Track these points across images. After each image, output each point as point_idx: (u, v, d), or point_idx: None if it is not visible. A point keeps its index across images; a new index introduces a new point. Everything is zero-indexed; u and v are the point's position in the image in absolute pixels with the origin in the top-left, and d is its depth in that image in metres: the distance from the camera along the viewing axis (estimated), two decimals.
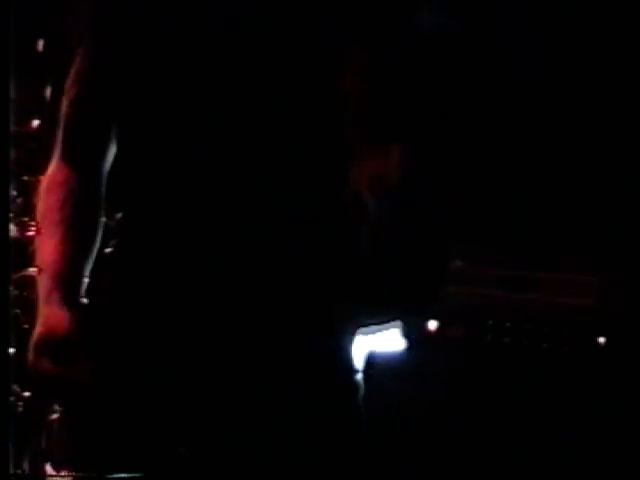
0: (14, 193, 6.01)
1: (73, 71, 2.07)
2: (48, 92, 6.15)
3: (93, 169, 2.03)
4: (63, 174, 2.07)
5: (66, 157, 2.08)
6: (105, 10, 2.01)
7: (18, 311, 5.70)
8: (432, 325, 5.08)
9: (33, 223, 5.59)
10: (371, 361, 4.46)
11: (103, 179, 2.05)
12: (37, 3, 6.59)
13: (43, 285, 2.01)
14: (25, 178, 6.00)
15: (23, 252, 5.87)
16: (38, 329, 1.98)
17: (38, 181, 5.92)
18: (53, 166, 2.11)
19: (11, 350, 4.97)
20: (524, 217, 5.21)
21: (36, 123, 6.05)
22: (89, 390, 1.91)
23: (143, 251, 1.97)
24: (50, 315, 1.99)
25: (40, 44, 6.26)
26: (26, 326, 5.40)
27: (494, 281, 5.16)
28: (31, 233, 5.83)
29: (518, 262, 5.14)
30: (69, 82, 2.08)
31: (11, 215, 5.52)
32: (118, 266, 1.99)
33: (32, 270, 5.50)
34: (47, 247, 2.04)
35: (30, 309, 5.47)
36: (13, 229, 5.73)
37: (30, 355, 1.96)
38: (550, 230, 5.13)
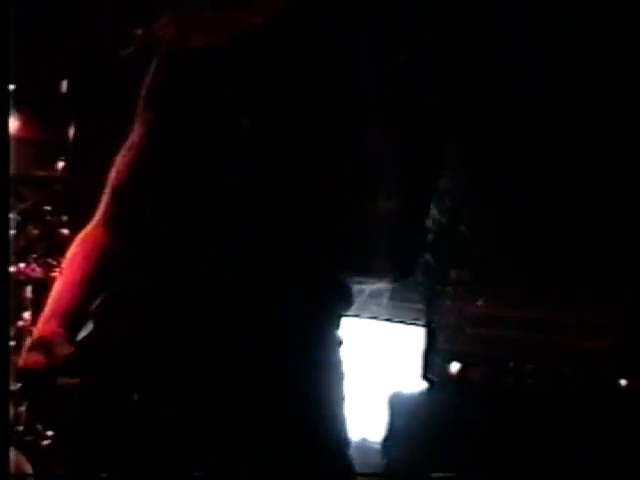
0: (36, 232, 6.09)
1: (130, 138, 2.12)
2: (71, 133, 6.23)
3: (130, 238, 2.10)
4: (101, 235, 2.13)
5: (108, 222, 2.14)
6: (168, 92, 2.08)
7: None
8: (454, 367, 5.07)
9: (56, 264, 5.67)
10: (393, 402, 4.47)
11: (134, 252, 2.13)
12: (58, 44, 6.67)
13: (44, 312, 2.08)
14: (49, 218, 6.08)
15: (47, 292, 5.92)
16: (30, 338, 2.06)
17: (62, 222, 6.01)
18: (94, 225, 2.16)
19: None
20: (543, 260, 5.22)
21: (61, 165, 6.13)
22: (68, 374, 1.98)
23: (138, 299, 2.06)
24: (41, 327, 2.04)
25: (64, 85, 6.33)
26: None
27: (514, 323, 5.16)
28: (55, 275, 5.89)
29: (537, 304, 5.14)
30: (124, 148, 2.13)
31: (35, 256, 5.61)
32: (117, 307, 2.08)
33: None
34: (60, 285, 2.10)
35: None
36: (38, 270, 5.80)
37: (21, 357, 2.03)
38: (568, 273, 5.14)
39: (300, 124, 1.95)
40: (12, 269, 5.40)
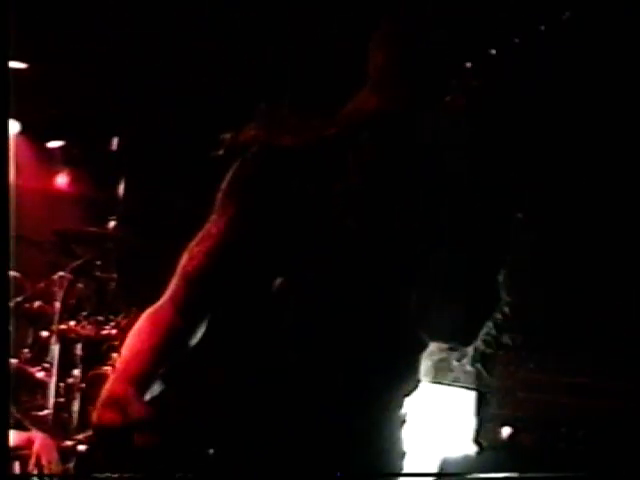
0: (86, 289, 6.13)
1: (207, 228, 2.21)
2: (121, 190, 6.29)
3: (198, 322, 2.20)
4: (169, 313, 2.25)
5: (177, 302, 2.23)
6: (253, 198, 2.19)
7: (91, 408, 5.73)
8: (505, 432, 5.01)
9: (105, 322, 5.70)
10: (443, 465, 4.41)
11: (201, 331, 2.21)
12: (111, 101, 6.77)
13: (113, 374, 2.20)
14: (98, 274, 6.11)
15: (96, 350, 5.94)
16: (101, 395, 2.17)
17: (113, 279, 6.05)
18: (162, 302, 2.27)
19: (82, 447, 5.04)
20: (595, 325, 5.17)
21: (112, 224, 6.17)
22: (144, 433, 2.05)
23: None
24: (112, 385, 2.15)
25: (114, 143, 6.40)
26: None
27: (565, 388, 5.11)
28: (104, 332, 5.92)
29: (588, 370, 5.08)
30: (200, 236, 2.22)
31: (85, 313, 5.63)
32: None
33: (105, 369, 5.59)
34: (128, 352, 2.21)
35: None
36: (88, 328, 5.83)
37: (94, 414, 2.13)
38: (621, 339, 5.08)
39: (386, 223, 2.02)
40: (62, 327, 5.43)
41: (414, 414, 2.14)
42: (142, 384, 2.11)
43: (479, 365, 5.33)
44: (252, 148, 2.15)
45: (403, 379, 2.09)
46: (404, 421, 2.10)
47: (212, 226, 2.19)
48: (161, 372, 2.15)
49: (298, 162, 2.08)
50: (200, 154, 2.35)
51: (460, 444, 4.74)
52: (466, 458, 4.66)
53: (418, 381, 2.11)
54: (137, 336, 2.21)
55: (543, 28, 1.81)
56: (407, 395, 2.09)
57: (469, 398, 4.96)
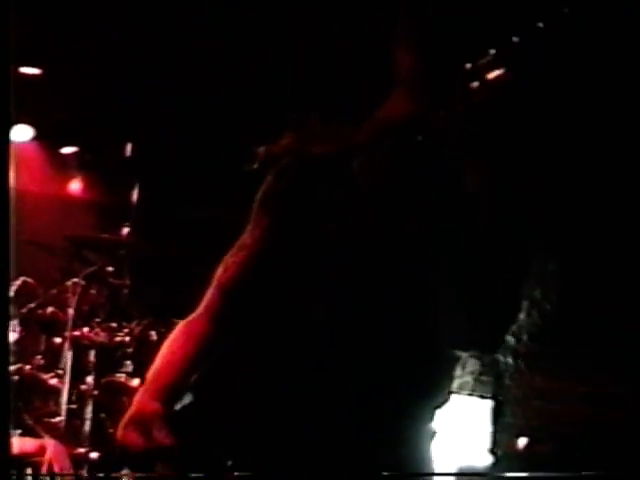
0: (99, 296, 6.13)
1: (242, 239, 2.24)
2: (135, 197, 6.28)
3: (232, 331, 2.21)
4: (203, 324, 2.29)
5: (212, 313, 2.26)
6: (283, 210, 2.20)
7: (103, 415, 5.75)
8: (521, 442, 4.99)
9: (118, 328, 5.69)
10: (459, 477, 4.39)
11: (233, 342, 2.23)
12: (123, 107, 6.77)
13: (143, 386, 2.24)
14: (111, 280, 6.09)
15: (109, 357, 5.93)
16: (129, 411, 2.19)
17: (125, 286, 6.04)
18: (197, 314, 2.32)
19: (95, 454, 5.03)
20: (612, 335, 5.15)
21: (126, 231, 6.17)
22: (166, 461, 2.07)
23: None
24: (141, 401, 2.18)
25: (128, 149, 6.39)
26: (111, 430, 5.46)
27: (582, 398, 5.08)
28: (117, 339, 5.91)
29: (605, 379, 5.06)
30: (235, 247, 2.24)
31: (98, 320, 5.63)
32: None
33: (118, 376, 5.58)
34: (160, 363, 2.25)
35: (115, 413, 5.52)
36: (101, 334, 5.81)
37: (119, 431, 2.15)
38: (632, 348, 5.06)
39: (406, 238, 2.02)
40: (75, 333, 5.42)
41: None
42: (171, 396, 2.14)
43: (494, 373, 5.31)
44: (285, 159, 2.16)
45: (433, 392, 2.08)
46: (434, 434, 2.09)
47: (247, 237, 2.22)
48: (191, 382, 2.17)
49: (331, 171, 2.09)
50: (232, 166, 2.36)
51: (476, 454, 4.72)
52: (481, 469, 4.64)
53: (449, 394, 2.09)
54: (170, 347, 2.24)
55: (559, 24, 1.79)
56: (437, 408, 2.07)
57: (485, 407, 4.94)
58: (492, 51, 1.81)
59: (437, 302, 1.96)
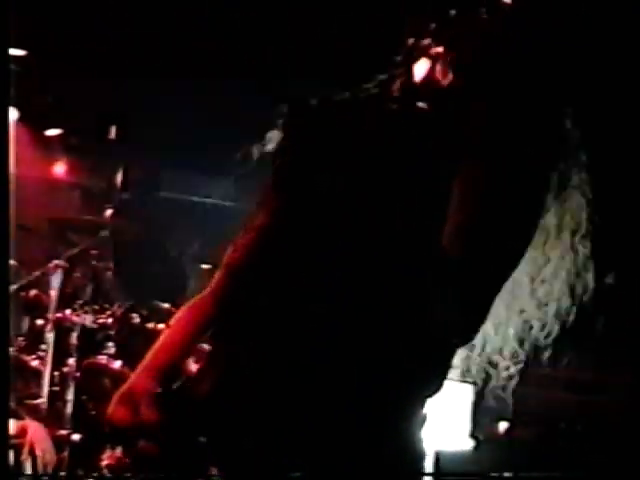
0: (82, 278, 6.11)
1: (251, 221, 2.26)
2: (119, 179, 6.24)
3: (235, 312, 2.21)
4: (208, 305, 2.31)
5: (217, 294, 2.27)
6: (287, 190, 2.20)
7: (85, 397, 5.73)
8: (501, 426, 5.01)
9: (101, 310, 5.68)
10: (439, 461, 4.41)
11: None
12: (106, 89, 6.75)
13: (141, 364, 2.26)
14: (94, 263, 6.07)
15: (92, 339, 5.92)
16: (123, 387, 2.22)
17: (108, 268, 6.02)
18: (204, 294, 2.35)
19: (77, 435, 5.02)
20: (593, 321, 5.16)
21: (109, 212, 6.14)
22: (148, 438, 2.10)
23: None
24: (135, 379, 2.21)
25: (112, 131, 6.36)
26: (93, 412, 5.45)
27: (563, 383, 5.10)
28: (101, 321, 5.89)
29: (587, 365, 5.08)
30: (244, 229, 2.24)
31: (81, 302, 5.61)
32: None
33: (100, 358, 5.57)
34: (160, 343, 2.28)
35: (96, 396, 5.51)
36: (83, 316, 5.79)
37: (110, 406, 2.18)
38: (620, 334, 5.07)
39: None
40: (58, 315, 5.40)
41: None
42: (168, 375, 2.17)
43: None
44: (289, 143, 2.16)
45: (425, 381, 2.08)
46: (424, 421, 2.09)
47: (254, 219, 2.22)
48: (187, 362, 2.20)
49: (336, 154, 2.09)
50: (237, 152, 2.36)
51: (456, 438, 4.74)
52: (461, 453, 4.66)
53: (442, 382, 2.09)
54: (172, 327, 2.28)
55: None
56: (429, 396, 2.07)
57: (466, 392, 4.96)
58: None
59: (424, 293, 1.96)
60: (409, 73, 2.08)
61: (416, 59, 2.07)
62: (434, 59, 2.05)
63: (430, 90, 2.06)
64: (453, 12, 2.03)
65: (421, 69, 2.07)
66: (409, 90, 2.08)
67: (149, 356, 2.22)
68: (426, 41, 2.06)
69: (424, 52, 2.06)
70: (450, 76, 2.03)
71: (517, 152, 1.93)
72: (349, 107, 2.16)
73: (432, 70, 2.06)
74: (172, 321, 2.29)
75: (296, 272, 2.08)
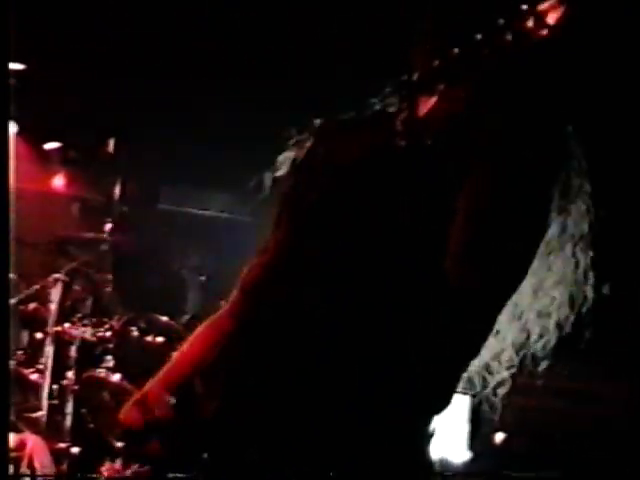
0: (81, 292, 6.11)
1: (266, 242, 2.29)
2: (117, 192, 6.26)
3: (252, 333, 2.23)
4: (225, 325, 2.31)
5: (234, 314, 2.29)
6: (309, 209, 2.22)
7: (84, 410, 5.73)
8: (498, 437, 5.01)
9: (100, 324, 5.69)
10: (435, 472, 4.41)
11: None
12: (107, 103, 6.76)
13: (156, 376, 2.27)
14: (94, 276, 6.07)
15: (91, 352, 5.92)
16: (136, 394, 2.23)
17: (107, 281, 6.03)
18: (221, 314, 2.36)
19: (76, 449, 5.02)
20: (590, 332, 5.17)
21: (108, 227, 6.14)
22: (169, 447, 2.11)
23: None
24: (149, 387, 2.23)
25: (110, 144, 6.38)
26: (92, 425, 5.45)
27: (560, 394, 5.11)
28: (100, 334, 5.89)
29: (583, 375, 5.09)
30: (261, 248, 2.27)
31: (80, 315, 5.62)
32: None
33: (99, 371, 5.57)
34: (177, 359, 2.31)
35: (95, 409, 5.51)
36: (82, 330, 5.79)
37: (125, 407, 2.19)
38: (615, 345, 5.08)
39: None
40: (57, 329, 5.41)
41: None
42: (181, 389, 2.17)
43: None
44: (304, 163, 2.20)
45: (434, 396, 2.06)
46: (432, 435, 2.08)
47: (270, 239, 2.25)
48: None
49: (350, 176, 2.09)
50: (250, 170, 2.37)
51: (453, 450, 4.74)
52: (459, 464, 4.66)
53: (450, 398, 2.06)
54: (190, 344, 2.30)
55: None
56: (437, 412, 2.05)
57: (463, 403, 4.97)
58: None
59: (431, 313, 1.95)
60: (414, 96, 2.08)
61: (424, 84, 2.06)
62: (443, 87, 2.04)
63: (438, 112, 2.06)
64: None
65: (427, 99, 2.08)
66: (415, 117, 2.09)
67: (164, 370, 2.25)
68: (435, 64, 2.05)
69: (432, 76, 2.06)
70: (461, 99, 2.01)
71: (522, 168, 1.91)
72: (359, 126, 2.20)
73: (441, 97, 2.06)
74: (190, 338, 2.32)
75: (310, 291, 2.09)
